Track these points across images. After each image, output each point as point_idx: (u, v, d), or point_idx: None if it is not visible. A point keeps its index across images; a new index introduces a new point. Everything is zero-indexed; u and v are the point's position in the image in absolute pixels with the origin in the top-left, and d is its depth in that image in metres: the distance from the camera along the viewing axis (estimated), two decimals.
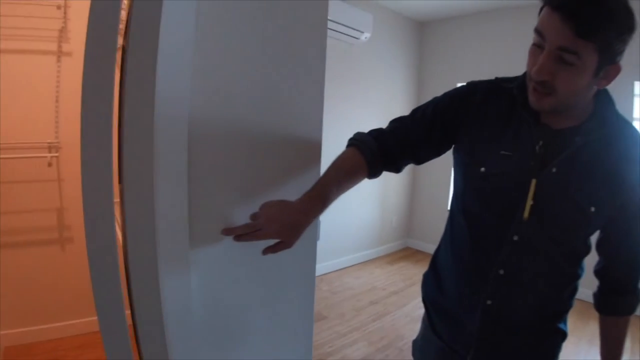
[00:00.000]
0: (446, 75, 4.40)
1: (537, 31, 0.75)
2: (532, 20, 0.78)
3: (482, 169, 0.89)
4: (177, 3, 0.70)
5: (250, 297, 0.95)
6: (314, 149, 1.00)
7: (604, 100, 0.84)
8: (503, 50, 3.82)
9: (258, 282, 0.96)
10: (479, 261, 0.93)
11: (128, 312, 0.68)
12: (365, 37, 3.55)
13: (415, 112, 1.02)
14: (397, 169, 1.03)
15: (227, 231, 0.84)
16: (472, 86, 0.96)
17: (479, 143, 0.91)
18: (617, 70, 0.76)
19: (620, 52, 0.73)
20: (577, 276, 0.93)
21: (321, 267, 3.87)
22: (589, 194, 0.82)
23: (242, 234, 0.83)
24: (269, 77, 0.88)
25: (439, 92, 1.03)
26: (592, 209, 0.81)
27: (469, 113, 0.93)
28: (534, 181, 0.83)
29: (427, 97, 1.04)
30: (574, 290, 0.95)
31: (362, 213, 4.29)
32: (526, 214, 0.83)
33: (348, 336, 2.76)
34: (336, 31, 3.31)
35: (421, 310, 1.15)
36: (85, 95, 0.51)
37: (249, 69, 0.85)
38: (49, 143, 2.22)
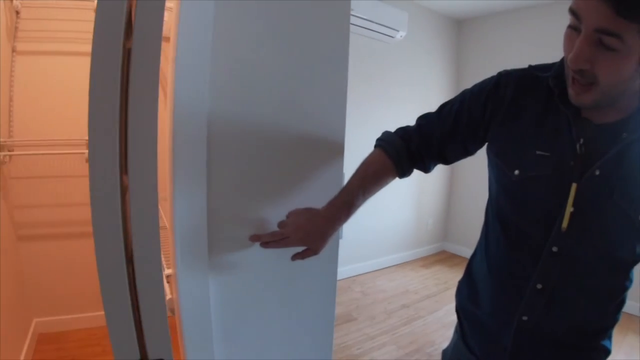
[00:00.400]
0: (485, 74, 4.14)
1: (572, 11, 0.65)
2: None
3: (516, 172, 0.81)
4: (194, 2, 0.69)
5: (269, 297, 0.94)
6: (336, 150, 0.97)
7: None
8: (545, 48, 3.60)
9: (277, 282, 0.95)
10: (514, 273, 0.85)
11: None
12: (401, 36, 3.47)
13: (442, 107, 0.96)
14: (425, 169, 0.98)
15: (255, 238, 0.86)
16: (503, 77, 0.88)
17: (512, 142, 0.83)
18: None
19: None
20: (624, 288, 0.83)
21: (354, 269, 3.84)
22: (638, 199, 0.71)
23: (269, 241, 0.86)
24: (289, 77, 0.87)
25: None
26: None
27: (499, 108, 0.86)
28: (574, 185, 0.74)
29: None
30: (621, 303, 0.84)
31: (397, 215, 4.21)
32: (565, 222, 0.75)
33: (377, 339, 2.72)
34: (371, 30, 3.26)
35: (454, 317, 1.09)
36: (93, 96, 0.51)
37: (269, 69, 0.84)
38: (86, 140, 2.28)
